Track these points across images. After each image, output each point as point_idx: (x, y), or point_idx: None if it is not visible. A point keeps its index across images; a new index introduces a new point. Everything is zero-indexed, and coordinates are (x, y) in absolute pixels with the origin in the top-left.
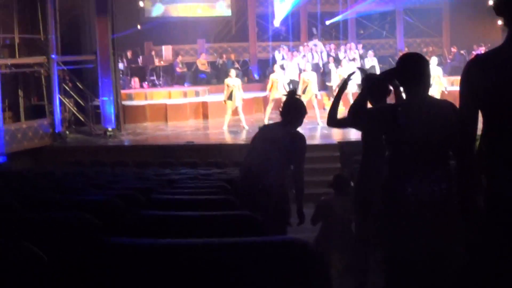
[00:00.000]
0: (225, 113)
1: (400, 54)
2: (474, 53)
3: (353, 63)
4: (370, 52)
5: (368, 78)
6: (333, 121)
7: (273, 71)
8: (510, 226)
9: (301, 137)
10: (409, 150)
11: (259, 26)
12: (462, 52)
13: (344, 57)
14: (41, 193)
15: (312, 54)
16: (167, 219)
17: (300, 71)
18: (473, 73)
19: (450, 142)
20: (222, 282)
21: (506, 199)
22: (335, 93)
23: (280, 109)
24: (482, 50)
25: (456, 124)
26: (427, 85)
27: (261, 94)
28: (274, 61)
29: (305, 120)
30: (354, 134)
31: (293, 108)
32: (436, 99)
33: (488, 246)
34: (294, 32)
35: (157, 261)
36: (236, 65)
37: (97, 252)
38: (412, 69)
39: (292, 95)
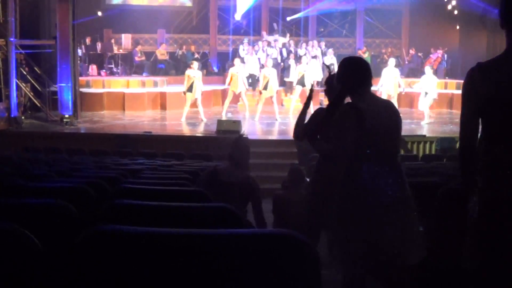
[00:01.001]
0: (183, 104)
1: (359, 53)
2: (432, 56)
3: (314, 61)
4: (330, 50)
5: (333, 77)
6: (299, 137)
7: (232, 65)
8: (504, 228)
9: (254, 181)
10: (374, 151)
11: (220, 19)
12: (419, 54)
13: (305, 54)
14: (4, 179)
15: (272, 49)
16: (143, 209)
17: (261, 66)
18: (477, 81)
19: (399, 141)
20: (211, 275)
21: (501, 202)
22: (294, 90)
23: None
24: (439, 53)
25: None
26: (370, 85)
27: (220, 87)
28: (234, 55)
29: (263, 115)
30: None
31: (239, 150)
32: (381, 99)
33: (482, 247)
34: (255, 27)
35: (157, 250)
36: (196, 56)
37: (96, 240)
38: (360, 73)
39: (239, 137)
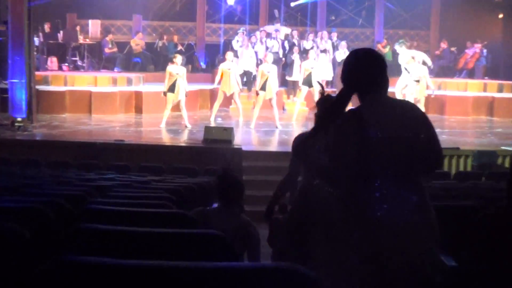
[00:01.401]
0: (163, 107)
1: (379, 47)
2: (468, 51)
3: (324, 56)
4: (343, 43)
5: (325, 100)
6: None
7: (224, 60)
8: None
9: (251, 226)
10: (379, 166)
11: (210, 4)
12: (452, 49)
13: (312, 47)
14: None
15: (274, 41)
16: (114, 235)
17: (259, 61)
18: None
19: (421, 151)
20: None
21: None
22: (298, 92)
23: (218, 189)
24: (477, 48)
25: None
26: (387, 87)
27: (209, 87)
28: (226, 47)
29: (261, 122)
30: None
31: (231, 188)
32: (400, 102)
33: None
34: (252, 14)
35: (132, 286)
36: (180, 48)
37: (57, 273)
38: (371, 69)
39: (225, 172)
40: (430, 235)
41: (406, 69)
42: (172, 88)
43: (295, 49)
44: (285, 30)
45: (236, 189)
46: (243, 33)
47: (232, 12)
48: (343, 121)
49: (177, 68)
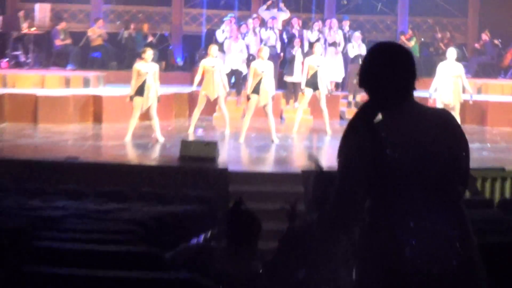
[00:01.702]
0: (129, 115)
1: (402, 39)
2: None
3: (332, 50)
4: (357, 34)
5: (322, 178)
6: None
7: (206, 55)
8: None
9: (262, 279)
10: (403, 189)
11: None
12: (496, 41)
13: (318, 39)
14: None
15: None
16: (66, 280)
17: (250, 57)
18: None
19: (456, 169)
20: None
21: None
22: (301, 96)
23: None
24: None
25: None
26: (412, 91)
27: (187, 89)
28: (209, 39)
29: (253, 134)
30: (328, 160)
31: (243, 227)
32: (430, 109)
33: None
34: None
35: None
36: (151, 40)
37: None
38: (397, 70)
39: (237, 206)
40: (476, 278)
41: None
42: (140, 91)
43: (296, 41)
44: (283, 16)
45: (250, 228)
46: (230, 21)
47: None
48: (355, 137)
49: (147, 66)
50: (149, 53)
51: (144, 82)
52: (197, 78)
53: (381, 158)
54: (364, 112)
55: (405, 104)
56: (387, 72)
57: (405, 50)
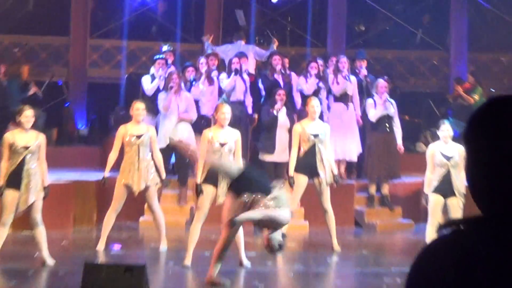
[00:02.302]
0: None
1: (459, 90)
2: None
3: (341, 108)
4: (382, 82)
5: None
6: None
7: (126, 118)
8: None
9: None
10: None
11: (99, 0)
12: None
13: (316, 90)
14: None
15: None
16: None
17: (202, 122)
18: None
19: None
20: None
21: None
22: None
23: None
24: None
25: None
26: None
27: (93, 176)
28: (133, 91)
29: (207, 251)
30: None
31: None
32: None
33: None
34: (185, 20)
35: None
36: (34, 92)
37: None
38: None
39: None
40: None
41: None
42: (14, 180)
43: (280, 94)
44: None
45: None
46: (165, 59)
47: (145, 16)
48: (431, 253)
49: (26, 137)
50: (27, 113)
51: (21, 165)
52: (111, 157)
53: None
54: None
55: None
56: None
57: None
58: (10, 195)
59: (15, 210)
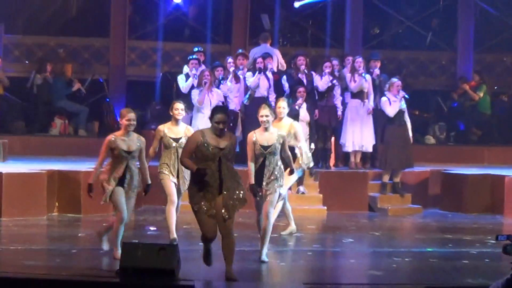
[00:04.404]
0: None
1: (466, 88)
2: None
3: (357, 104)
4: (395, 81)
5: None
6: None
7: (163, 116)
8: None
9: None
10: None
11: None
12: None
13: (330, 86)
14: None
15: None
16: None
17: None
18: None
19: None
20: None
21: None
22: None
23: None
24: None
25: None
26: None
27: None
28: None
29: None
30: None
31: None
32: None
33: None
34: (216, 23)
35: None
36: (77, 88)
37: None
38: None
39: None
40: None
41: None
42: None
43: (300, 92)
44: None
45: None
46: (198, 59)
47: (178, 19)
48: None
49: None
50: (178, 106)
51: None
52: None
53: None
54: None
55: None
56: None
57: None
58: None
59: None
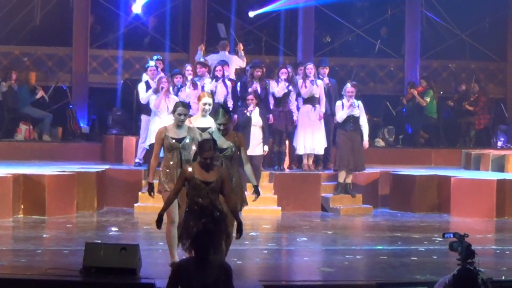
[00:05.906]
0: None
1: (413, 93)
2: None
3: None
4: (348, 86)
5: None
6: None
7: (122, 117)
8: None
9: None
10: None
11: (98, 14)
12: None
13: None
14: None
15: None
16: None
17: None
18: None
19: None
20: None
21: None
22: None
23: None
24: None
25: None
26: None
27: (94, 168)
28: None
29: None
30: None
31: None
32: None
33: None
34: (173, 33)
35: None
36: (41, 95)
37: None
38: None
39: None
40: None
41: None
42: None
43: (249, 99)
44: (238, 62)
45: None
46: (156, 66)
47: (138, 29)
48: None
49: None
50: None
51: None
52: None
53: None
54: None
55: None
56: None
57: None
58: None
59: None
